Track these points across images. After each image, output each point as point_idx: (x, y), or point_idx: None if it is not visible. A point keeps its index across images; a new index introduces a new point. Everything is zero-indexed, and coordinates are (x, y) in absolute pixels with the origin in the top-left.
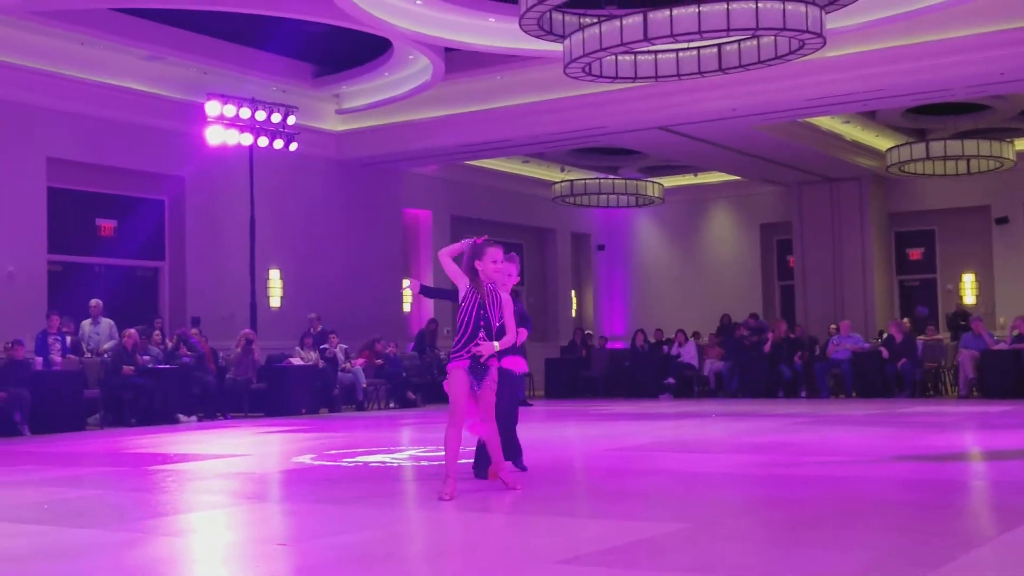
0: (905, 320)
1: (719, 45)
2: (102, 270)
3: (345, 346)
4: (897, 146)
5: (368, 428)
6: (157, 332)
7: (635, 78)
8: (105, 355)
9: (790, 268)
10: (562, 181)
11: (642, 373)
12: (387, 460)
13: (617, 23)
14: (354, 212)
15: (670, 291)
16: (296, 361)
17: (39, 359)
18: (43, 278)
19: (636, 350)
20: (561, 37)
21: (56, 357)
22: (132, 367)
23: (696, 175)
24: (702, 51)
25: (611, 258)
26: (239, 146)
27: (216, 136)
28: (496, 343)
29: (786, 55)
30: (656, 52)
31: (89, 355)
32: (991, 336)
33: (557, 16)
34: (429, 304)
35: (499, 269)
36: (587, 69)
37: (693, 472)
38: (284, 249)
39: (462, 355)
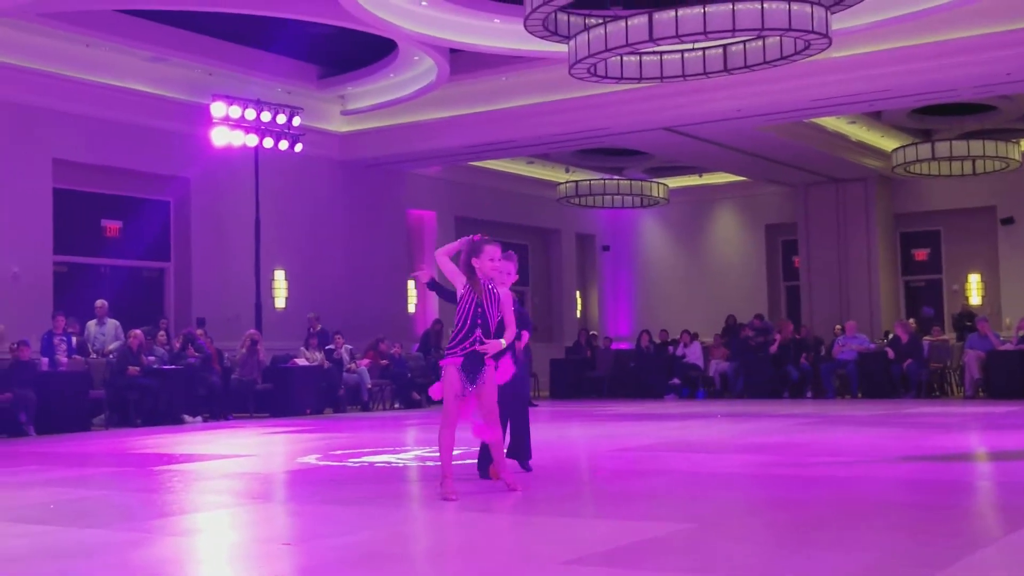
0: (911, 321)
1: (724, 46)
2: (107, 271)
3: (350, 347)
4: (903, 146)
5: (373, 428)
6: (162, 333)
7: (640, 79)
8: (110, 356)
9: (795, 269)
10: (567, 182)
11: (647, 374)
12: (392, 460)
13: (622, 24)
14: (359, 213)
15: (675, 292)
16: (301, 362)
17: (45, 360)
18: (49, 279)
19: (641, 351)
20: (566, 38)
21: (62, 358)
22: (137, 368)
23: (701, 176)
24: (707, 52)
25: (616, 259)
26: (244, 147)
27: (221, 137)
28: (502, 340)
29: (791, 55)
30: (661, 53)
31: (95, 356)
32: (997, 337)
33: (562, 17)
34: (434, 305)
35: (496, 267)
36: (592, 70)
37: (698, 472)
38: (289, 250)
39: (456, 352)
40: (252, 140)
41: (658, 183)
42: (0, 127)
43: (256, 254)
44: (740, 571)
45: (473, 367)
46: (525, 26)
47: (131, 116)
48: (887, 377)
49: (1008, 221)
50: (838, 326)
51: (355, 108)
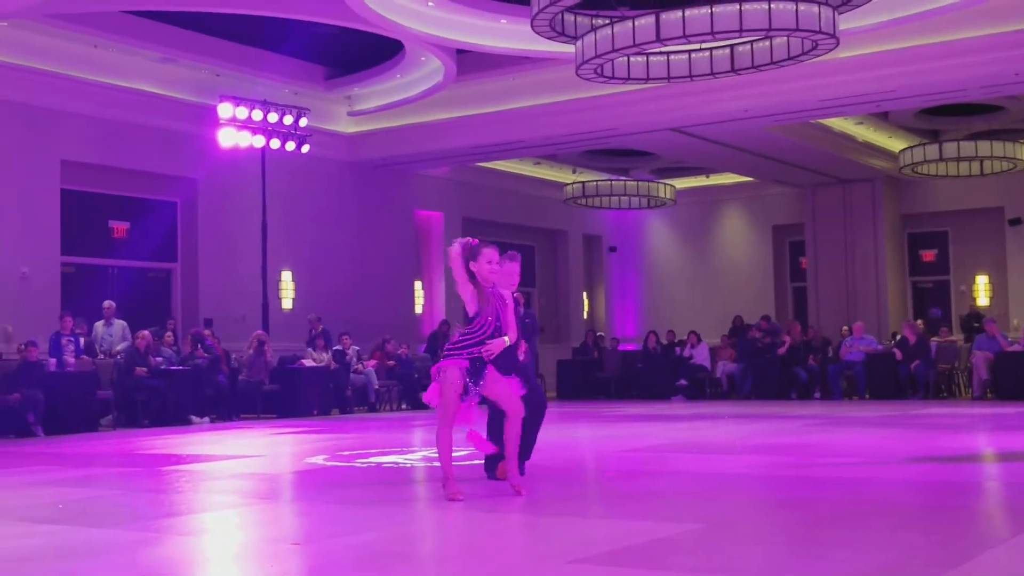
0: (919, 322)
1: (732, 46)
2: (115, 272)
3: (357, 347)
4: (910, 147)
5: (380, 429)
6: (169, 334)
7: (647, 79)
8: (118, 356)
9: (802, 270)
10: (574, 183)
11: (654, 375)
12: (400, 461)
13: (629, 24)
14: (366, 214)
15: (682, 293)
16: (308, 362)
17: (52, 360)
18: (56, 280)
19: (648, 352)
20: (573, 38)
21: (69, 358)
22: (145, 368)
23: (708, 176)
24: (715, 52)
25: (623, 260)
26: (251, 148)
27: (228, 138)
28: (505, 338)
29: (799, 56)
30: (668, 53)
31: (102, 356)
32: (1005, 337)
33: (569, 17)
34: (441, 305)
35: (495, 270)
36: (599, 70)
37: (706, 473)
38: (296, 251)
39: (462, 354)
40: (259, 141)
41: (665, 184)
42: (8, 128)
43: (263, 255)
44: (748, 572)
45: (477, 370)
46: (532, 26)
47: (138, 117)
48: (895, 378)
49: (1016, 222)
50: (845, 327)
51: (362, 109)
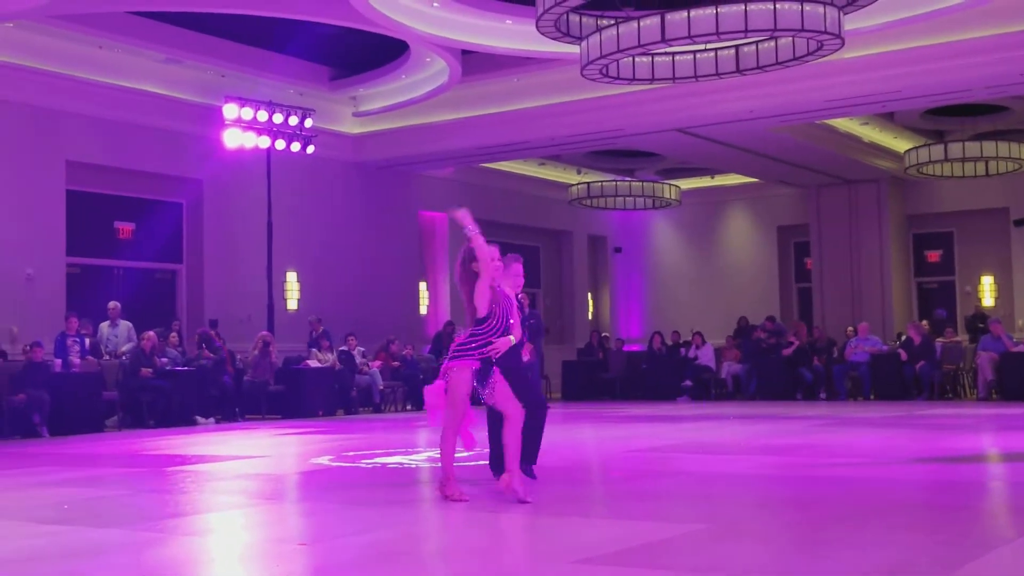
0: (924, 322)
1: (737, 46)
2: (120, 273)
3: (363, 348)
4: (915, 148)
5: (385, 430)
6: (174, 334)
7: (652, 80)
8: (123, 357)
9: (807, 270)
10: (579, 183)
11: (659, 376)
12: (404, 462)
13: (634, 24)
14: (371, 214)
15: (687, 293)
16: (313, 363)
17: (58, 361)
18: (62, 280)
19: (653, 352)
20: (578, 39)
21: (75, 359)
22: (150, 369)
23: (713, 177)
24: (720, 52)
25: (628, 260)
26: (256, 149)
27: (233, 139)
28: (511, 337)
29: (804, 56)
30: (673, 54)
31: (107, 357)
32: (1010, 338)
33: (574, 18)
34: (446, 306)
35: (498, 267)
36: (604, 71)
37: (712, 473)
38: (301, 251)
39: (473, 355)
40: (264, 142)
41: (670, 185)
42: (14, 129)
43: (268, 256)
44: (755, 571)
45: (485, 372)
46: (537, 27)
47: (144, 118)
48: (900, 379)
49: (1021, 222)
50: (850, 328)
51: (367, 110)
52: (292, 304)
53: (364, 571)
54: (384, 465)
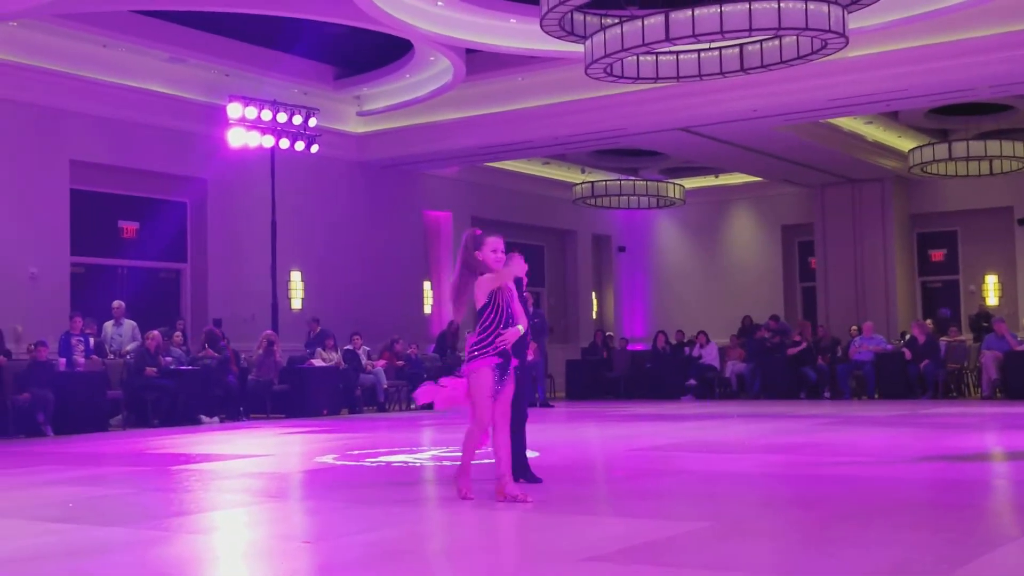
0: (928, 321)
1: (741, 45)
2: (124, 272)
3: (368, 348)
4: (919, 147)
5: (389, 429)
6: (178, 334)
7: (656, 79)
8: (128, 356)
9: (812, 270)
10: (583, 182)
11: (663, 375)
12: (409, 460)
13: (638, 23)
14: (375, 214)
15: (691, 293)
16: (317, 362)
17: (62, 360)
18: (66, 280)
19: (657, 352)
20: (582, 38)
21: (79, 358)
22: (155, 368)
23: (717, 176)
24: (724, 51)
25: (632, 260)
26: (260, 148)
27: (238, 138)
28: (519, 327)
29: (808, 55)
30: (678, 53)
31: (112, 356)
32: (1014, 337)
33: (578, 17)
34: (450, 306)
35: (499, 258)
36: (608, 70)
37: (716, 472)
38: (305, 251)
39: (488, 352)
40: (268, 141)
41: (674, 184)
42: (18, 128)
43: (272, 255)
44: (759, 569)
45: (504, 367)
46: (541, 26)
47: (148, 117)
48: (904, 378)
49: None
50: (855, 327)
51: (371, 109)
52: (296, 303)
53: (368, 570)
54: (388, 464)
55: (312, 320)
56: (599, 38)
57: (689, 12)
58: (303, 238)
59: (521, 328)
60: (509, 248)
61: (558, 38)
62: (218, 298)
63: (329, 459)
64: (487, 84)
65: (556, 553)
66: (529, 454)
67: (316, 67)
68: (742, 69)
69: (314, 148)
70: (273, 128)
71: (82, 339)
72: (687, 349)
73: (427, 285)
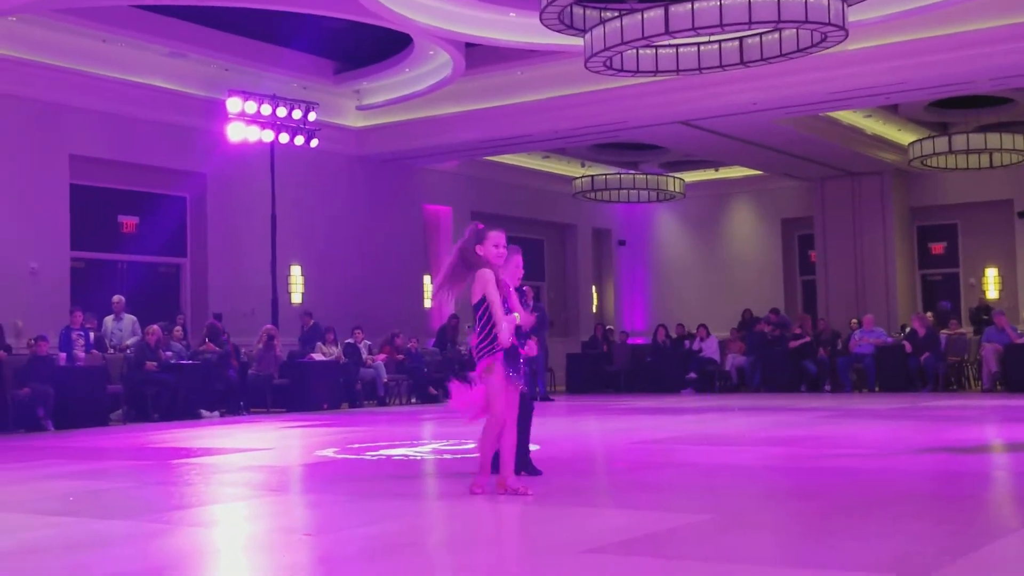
0: (928, 314)
1: (741, 38)
2: (124, 267)
3: (368, 342)
4: (919, 140)
5: (390, 423)
6: (179, 328)
7: (656, 72)
8: (128, 351)
9: (812, 263)
10: (583, 176)
11: (664, 368)
12: (410, 454)
13: (638, 17)
14: (375, 208)
15: (691, 286)
16: (318, 357)
17: (63, 355)
18: (66, 274)
19: (658, 345)
20: (582, 31)
21: (79, 353)
22: (155, 363)
23: (717, 170)
24: (724, 44)
25: (632, 253)
26: (260, 142)
27: (237, 133)
28: (515, 315)
29: (808, 48)
30: (677, 46)
31: (112, 351)
32: (1014, 330)
33: (578, 10)
34: (450, 300)
35: (502, 253)
36: (608, 63)
37: (717, 464)
38: (305, 245)
39: (494, 347)
40: (268, 135)
41: (674, 177)
42: (17, 123)
43: (272, 249)
44: (761, 560)
45: (514, 358)
46: (541, 20)
47: (148, 112)
48: (904, 371)
49: None
50: (855, 320)
51: (371, 103)
52: (296, 298)
53: (369, 562)
54: (389, 457)
55: (304, 314)
56: (599, 31)
57: (689, 5)
58: (303, 233)
59: (517, 316)
60: (509, 242)
61: (557, 31)
62: (218, 293)
63: (330, 453)
64: (487, 78)
65: (557, 545)
66: (530, 447)
67: (316, 61)
68: (742, 62)
69: (314, 142)
70: (273, 123)
71: (82, 334)
72: (687, 343)
73: (427, 279)
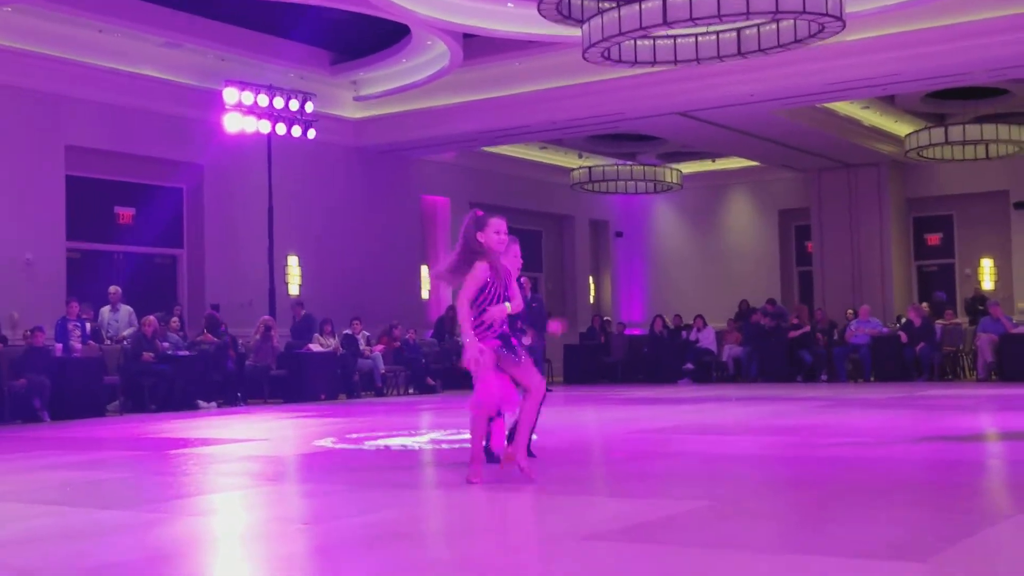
0: (924, 305)
1: (738, 29)
2: (121, 258)
3: (367, 333)
4: (916, 131)
5: (388, 413)
6: (175, 319)
7: (654, 63)
8: (125, 342)
9: (808, 254)
10: (580, 168)
11: (661, 359)
12: (408, 444)
13: (636, 7)
14: (372, 199)
15: (688, 277)
16: (315, 347)
17: (59, 346)
18: (62, 265)
19: (655, 336)
20: (580, 22)
21: (76, 344)
22: (152, 354)
23: (714, 161)
24: (721, 35)
25: (629, 245)
26: (257, 133)
27: (234, 123)
28: (507, 304)
29: (805, 39)
30: (675, 37)
31: (108, 342)
32: (1009, 320)
33: (575, 1)
34: (448, 291)
35: (502, 241)
36: (606, 54)
37: (715, 453)
38: (302, 236)
39: (487, 336)
40: (265, 126)
41: (671, 168)
42: (13, 114)
43: (269, 241)
44: (760, 547)
45: (509, 344)
46: (539, 10)
47: (144, 102)
48: (900, 361)
49: (1021, 205)
50: (851, 310)
51: (368, 94)
52: (294, 289)
53: (367, 551)
54: (387, 447)
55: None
56: (596, 22)
57: None
58: (300, 224)
59: (509, 306)
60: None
61: (555, 22)
62: (215, 284)
63: (327, 443)
64: (484, 69)
65: (556, 533)
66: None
67: (312, 52)
68: (739, 53)
69: (311, 133)
70: (269, 113)
71: (79, 325)
72: (684, 333)
73: (424, 270)
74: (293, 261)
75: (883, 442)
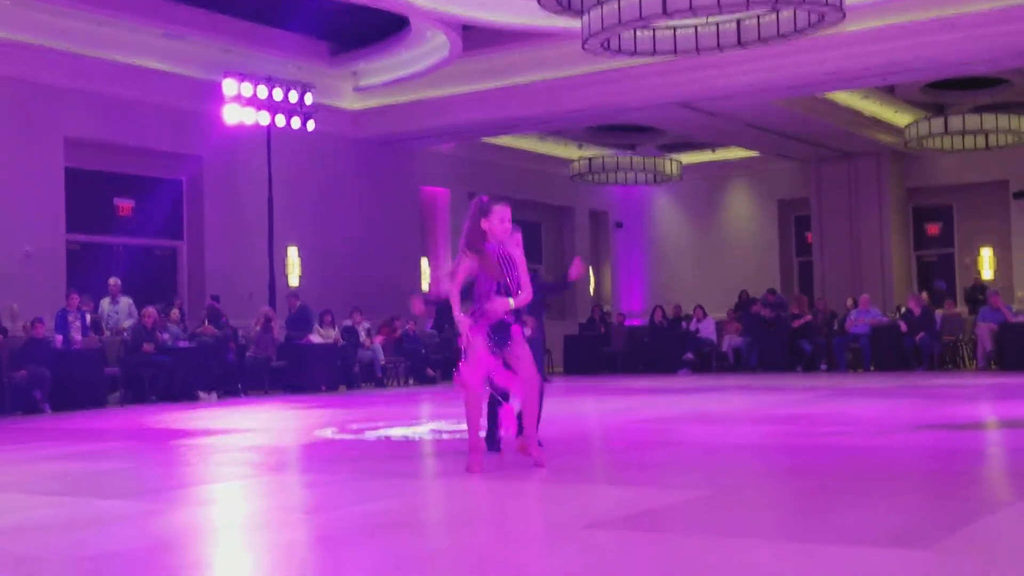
0: (923, 294)
1: (738, 19)
2: (120, 249)
3: (367, 324)
4: (916, 121)
5: (388, 403)
6: (175, 310)
7: (654, 53)
8: (125, 333)
9: (808, 244)
10: (580, 158)
11: (661, 349)
12: (408, 434)
13: None
14: (371, 190)
15: (688, 268)
16: (315, 339)
17: (59, 337)
18: (62, 257)
19: (655, 326)
20: (579, 12)
21: (76, 335)
22: (152, 345)
23: (714, 151)
24: (721, 25)
25: (629, 235)
26: (256, 125)
27: (233, 115)
28: (509, 299)
29: (805, 29)
30: (675, 27)
31: (109, 333)
32: (1009, 309)
33: None
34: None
35: (507, 228)
36: (606, 44)
37: (716, 443)
38: (302, 228)
39: (479, 324)
40: (264, 118)
41: (671, 159)
42: (11, 106)
43: (269, 232)
44: (761, 535)
45: (500, 333)
46: (538, 1)
47: (143, 94)
48: (900, 350)
49: (1021, 195)
50: (851, 300)
51: (367, 85)
52: (293, 280)
53: (368, 540)
54: (388, 437)
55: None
56: (596, 12)
57: None
58: (300, 215)
59: (512, 302)
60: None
61: (555, 13)
62: (215, 275)
63: (328, 433)
64: (484, 59)
65: (557, 522)
66: None
67: (312, 43)
68: (739, 43)
69: (310, 125)
70: (269, 105)
71: (79, 316)
72: (684, 324)
73: (424, 261)
74: (293, 252)
75: (883, 431)
